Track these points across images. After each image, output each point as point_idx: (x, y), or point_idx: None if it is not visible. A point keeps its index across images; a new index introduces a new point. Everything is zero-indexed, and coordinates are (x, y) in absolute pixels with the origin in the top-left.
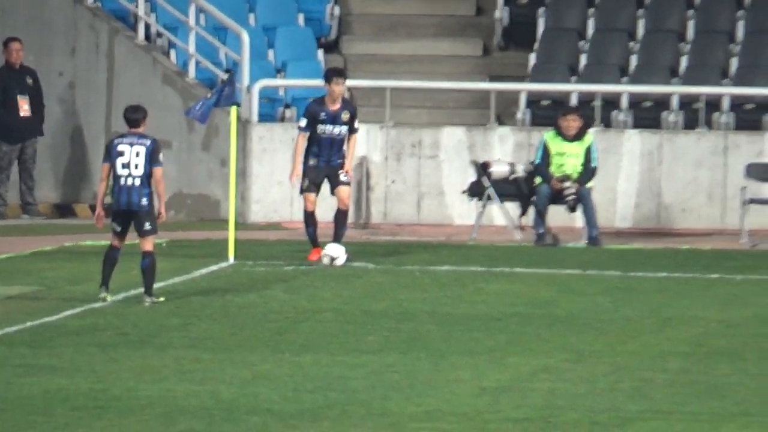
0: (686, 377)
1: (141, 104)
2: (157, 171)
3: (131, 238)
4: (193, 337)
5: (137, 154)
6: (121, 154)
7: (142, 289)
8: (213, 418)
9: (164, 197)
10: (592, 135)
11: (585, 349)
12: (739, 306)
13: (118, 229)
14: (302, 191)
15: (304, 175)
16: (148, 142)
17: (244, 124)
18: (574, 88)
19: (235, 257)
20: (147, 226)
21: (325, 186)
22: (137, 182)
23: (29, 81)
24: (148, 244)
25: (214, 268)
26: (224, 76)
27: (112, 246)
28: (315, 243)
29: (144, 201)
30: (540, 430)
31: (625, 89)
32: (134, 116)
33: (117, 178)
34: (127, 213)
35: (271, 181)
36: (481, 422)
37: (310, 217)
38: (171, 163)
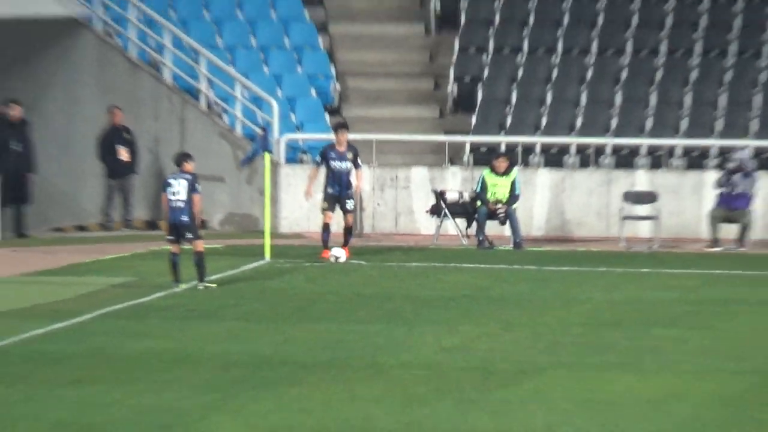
0: (583, 339)
1: (188, 151)
2: (195, 197)
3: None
4: (241, 312)
5: (180, 185)
6: (170, 185)
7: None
8: (256, 367)
9: (199, 214)
10: (516, 171)
11: (512, 321)
12: (619, 290)
13: (171, 238)
14: (323, 210)
15: (324, 199)
16: (189, 177)
17: (275, 165)
18: (502, 140)
19: (270, 257)
20: (188, 235)
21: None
22: (180, 205)
23: (127, 136)
24: (198, 246)
25: (255, 264)
26: (260, 132)
27: (171, 252)
28: (326, 246)
29: (185, 218)
30: (482, 376)
31: (538, 140)
32: (179, 160)
33: (169, 202)
34: (174, 226)
35: (294, 204)
36: (440, 370)
37: (326, 228)
38: (224, 192)
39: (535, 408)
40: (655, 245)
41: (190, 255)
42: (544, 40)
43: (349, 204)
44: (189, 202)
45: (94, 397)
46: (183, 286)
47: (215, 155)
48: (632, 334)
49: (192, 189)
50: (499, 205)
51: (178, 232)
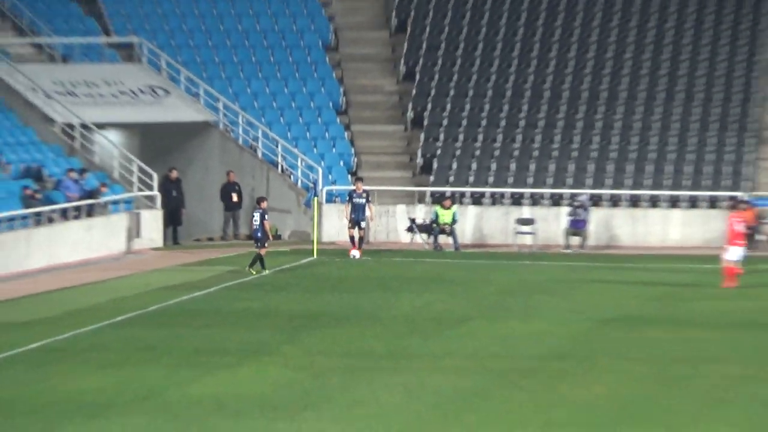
0: (494, 302)
1: (264, 196)
2: (266, 222)
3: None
4: (299, 286)
5: (257, 215)
6: (254, 216)
7: (277, 269)
8: (308, 318)
9: (269, 232)
10: (455, 207)
11: (454, 292)
12: (515, 274)
13: (255, 246)
14: (349, 228)
15: (349, 221)
16: (261, 211)
17: (319, 204)
18: (447, 189)
19: (316, 255)
20: (258, 245)
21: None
22: (256, 226)
23: (236, 188)
24: (262, 252)
25: (307, 260)
26: (311, 185)
27: (257, 252)
28: (353, 244)
29: (259, 234)
30: (436, 323)
31: (468, 190)
32: (257, 201)
33: (253, 225)
34: (255, 239)
35: (330, 225)
36: (413, 319)
37: (351, 238)
38: (291, 218)
39: (467, 340)
40: (534, 249)
41: (274, 255)
42: (471, 133)
43: (363, 224)
44: (261, 225)
45: (215, 335)
46: (266, 272)
47: (286, 199)
48: (522, 299)
49: (262, 218)
50: (446, 227)
51: (256, 242)
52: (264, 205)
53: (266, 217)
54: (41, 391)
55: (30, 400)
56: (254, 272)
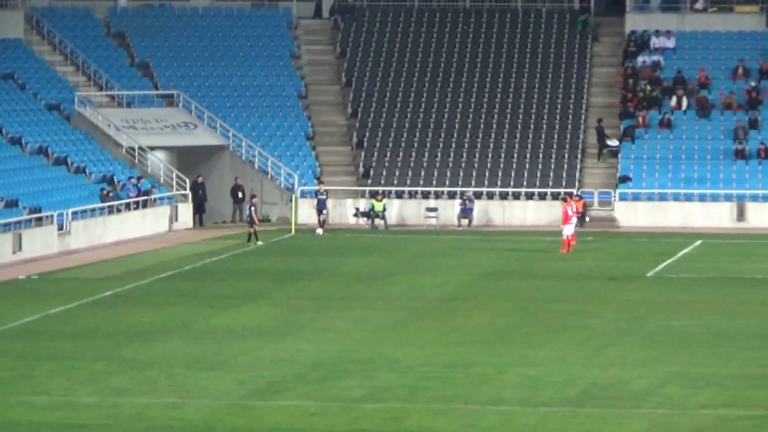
0: (413, 263)
1: (255, 194)
2: (253, 212)
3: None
4: (282, 253)
5: (248, 207)
6: (247, 207)
7: (268, 242)
8: (289, 275)
9: (258, 217)
10: (385, 200)
11: (386, 255)
12: (425, 245)
13: (249, 226)
14: (317, 214)
15: (316, 210)
16: (251, 204)
17: (296, 199)
18: (380, 189)
19: (294, 232)
20: (251, 225)
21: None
22: (248, 213)
23: (241, 188)
24: (253, 229)
25: (289, 235)
26: (290, 186)
27: (249, 231)
28: (320, 225)
29: (248, 219)
30: (372, 275)
31: (393, 189)
32: (251, 197)
33: (246, 212)
34: (249, 222)
35: (302, 213)
36: (358, 274)
37: (319, 222)
38: (276, 208)
39: (393, 288)
40: (437, 227)
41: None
42: (394, 152)
43: (325, 212)
44: (250, 213)
45: (226, 286)
46: (260, 243)
47: (274, 195)
48: (429, 261)
49: (251, 208)
50: (379, 213)
51: (250, 224)
52: (254, 200)
53: (254, 208)
54: (112, 323)
55: (105, 329)
56: (252, 244)
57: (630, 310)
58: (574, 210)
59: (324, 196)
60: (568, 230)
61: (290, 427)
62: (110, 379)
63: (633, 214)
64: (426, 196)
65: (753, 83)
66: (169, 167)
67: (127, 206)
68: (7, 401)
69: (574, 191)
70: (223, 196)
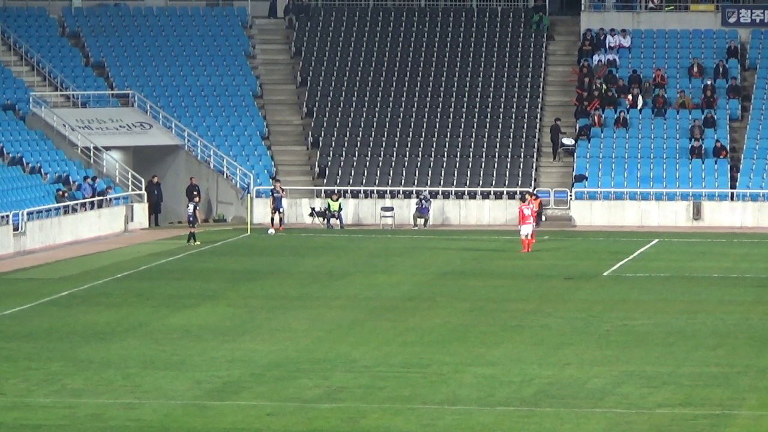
0: (370, 262)
1: (197, 193)
2: (197, 211)
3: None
4: (238, 253)
5: (191, 207)
6: (188, 207)
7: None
8: (245, 274)
9: (199, 215)
10: (341, 200)
11: (342, 255)
12: (382, 243)
13: (191, 226)
14: (271, 214)
15: (271, 209)
16: (195, 203)
17: (251, 198)
18: (335, 188)
19: (250, 232)
20: (192, 226)
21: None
22: (190, 212)
23: (197, 188)
24: (193, 230)
25: (245, 234)
26: (246, 186)
27: (190, 231)
28: (272, 224)
29: (192, 218)
30: (328, 275)
31: (349, 188)
32: (192, 198)
33: (187, 212)
34: (189, 222)
35: (258, 212)
36: (314, 273)
37: (272, 221)
38: (232, 207)
39: (349, 287)
40: (393, 227)
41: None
42: (350, 151)
43: (282, 210)
44: (193, 213)
45: (182, 285)
46: (197, 243)
47: (229, 195)
48: (385, 260)
49: (195, 208)
50: (335, 213)
51: (191, 223)
52: (197, 200)
53: (198, 207)
54: (68, 324)
55: (61, 329)
56: (192, 244)
57: (587, 310)
58: (533, 209)
59: (280, 194)
60: (526, 230)
61: (247, 428)
62: (66, 380)
63: (589, 213)
64: (382, 195)
65: (709, 82)
66: (124, 167)
67: (83, 206)
68: None
69: (530, 190)
70: (178, 196)
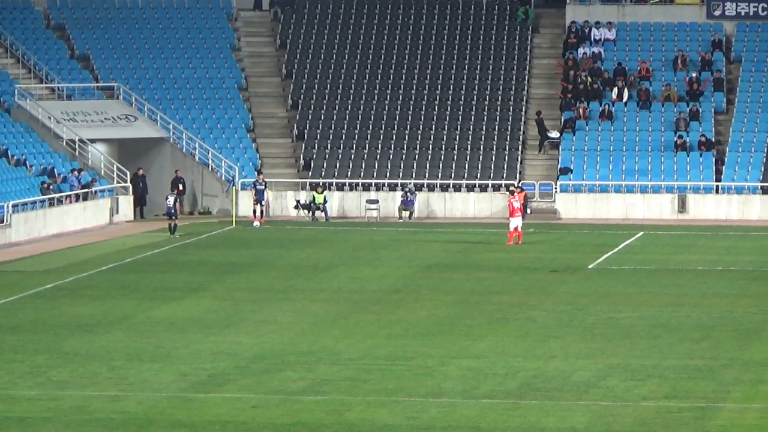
0: (357, 255)
1: (182, 186)
2: (177, 204)
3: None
4: (223, 246)
5: (170, 198)
6: (168, 199)
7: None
8: (230, 267)
9: (180, 208)
10: (326, 192)
11: (327, 247)
12: (368, 235)
13: (172, 218)
14: (253, 206)
15: (254, 202)
16: (175, 195)
17: (236, 190)
18: (320, 180)
19: (235, 224)
20: (173, 218)
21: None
22: (170, 204)
23: (182, 181)
24: (175, 221)
25: (230, 227)
26: (231, 178)
27: (169, 223)
28: (254, 216)
29: (172, 210)
30: (313, 267)
31: (334, 181)
32: (172, 189)
33: (167, 204)
34: (169, 214)
35: (243, 205)
36: (298, 266)
37: (254, 212)
38: (217, 200)
39: (334, 280)
40: (378, 219)
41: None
42: (335, 143)
43: (264, 203)
44: (174, 205)
45: (167, 278)
46: (178, 235)
47: (214, 187)
48: (370, 252)
49: (176, 200)
50: (320, 205)
51: (171, 216)
52: (176, 192)
53: (179, 200)
54: (53, 316)
55: (46, 322)
56: (176, 236)
57: (571, 302)
58: (519, 202)
59: (262, 186)
60: (515, 222)
61: (232, 420)
62: (51, 372)
63: (574, 206)
64: (367, 188)
65: (694, 74)
66: (109, 160)
67: (68, 199)
68: None
69: (515, 183)
70: (163, 189)
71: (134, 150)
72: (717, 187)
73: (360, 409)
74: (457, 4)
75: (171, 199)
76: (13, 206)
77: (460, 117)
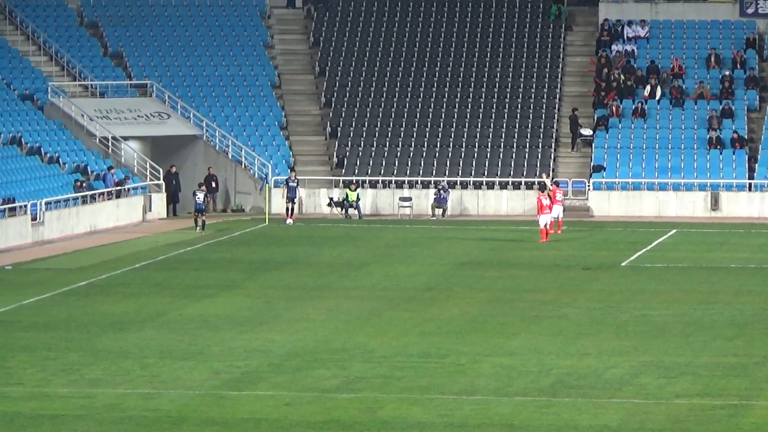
0: (391, 253)
1: (202, 182)
2: (207, 198)
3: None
4: (256, 243)
5: (200, 195)
6: (197, 195)
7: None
8: (263, 264)
9: (214, 209)
10: (359, 189)
11: (360, 245)
12: (404, 232)
13: (201, 215)
14: (286, 204)
15: (286, 200)
16: (204, 191)
17: (269, 188)
18: (353, 178)
19: (268, 222)
20: (203, 214)
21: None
22: (200, 202)
23: (215, 178)
24: (203, 217)
25: (263, 225)
26: (264, 176)
27: (195, 218)
28: (287, 214)
29: (203, 206)
30: (346, 265)
31: (367, 178)
32: (199, 185)
33: (196, 201)
34: (199, 210)
35: (276, 202)
36: (332, 264)
37: (287, 210)
38: (251, 197)
39: (367, 278)
40: (411, 217)
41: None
42: (368, 141)
43: (295, 201)
44: (204, 201)
45: (201, 275)
46: (203, 231)
47: (247, 185)
48: (403, 250)
49: (205, 196)
50: (353, 203)
51: (201, 213)
52: (204, 188)
53: (208, 195)
54: (86, 313)
55: (79, 319)
56: (201, 231)
57: (604, 300)
58: (556, 199)
59: (295, 184)
60: (544, 219)
61: (264, 417)
62: (84, 370)
63: (607, 204)
64: (400, 185)
65: (727, 72)
66: (142, 157)
67: (101, 196)
68: None
69: (548, 180)
70: (196, 186)
71: (167, 147)
72: (750, 184)
73: (393, 407)
74: (490, 2)
75: (200, 195)
76: (47, 204)
77: (493, 114)
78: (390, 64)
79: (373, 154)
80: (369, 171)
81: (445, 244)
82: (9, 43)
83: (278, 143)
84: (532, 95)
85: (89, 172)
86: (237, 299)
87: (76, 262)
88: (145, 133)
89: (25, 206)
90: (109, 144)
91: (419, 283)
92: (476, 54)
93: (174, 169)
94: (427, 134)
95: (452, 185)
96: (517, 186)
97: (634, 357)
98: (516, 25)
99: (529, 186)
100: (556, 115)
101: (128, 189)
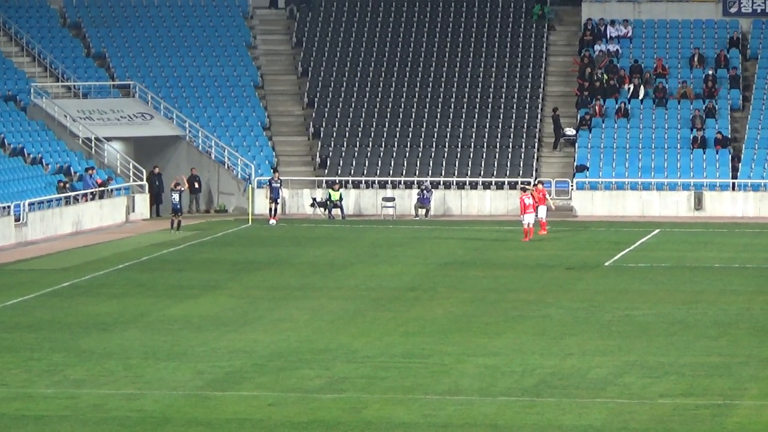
0: (374, 253)
1: (178, 182)
2: (192, 198)
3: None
4: (239, 244)
5: (175, 196)
6: (173, 195)
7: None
8: (246, 265)
9: (197, 209)
10: (342, 190)
11: (344, 245)
12: (385, 233)
13: (177, 215)
14: (269, 204)
15: (270, 200)
16: (179, 191)
17: (252, 189)
18: (336, 178)
19: (251, 222)
20: (178, 214)
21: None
22: (176, 202)
23: (198, 179)
24: (179, 218)
25: (246, 225)
26: (247, 177)
27: (178, 220)
28: (270, 215)
29: (178, 206)
30: (329, 265)
31: (350, 179)
32: (174, 185)
33: (172, 201)
34: (175, 210)
35: (258, 203)
36: (315, 264)
37: (270, 210)
38: (233, 198)
39: (351, 278)
40: (394, 217)
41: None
42: (351, 141)
43: (279, 201)
44: (180, 201)
45: (184, 276)
46: (179, 231)
47: (231, 185)
48: (386, 250)
49: (180, 196)
50: (336, 203)
51: (177, 213)
52: (179, 188)
53: (181, 195)
54: (69, 314)
55: (63, 320)
56: (178, 232)
57: (588, 300)
58: (540, 197)
59: (278, 184)
60: (528, 219)
61: (248, 418)
62: (68, 371)
63: (590, 204)
64: (383, 185)
65: (710, 72)
66: (125, 158)
67: (84, 197)
68: None
69: (531, 180)
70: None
71: (150, 148)
72: (733, 184)
73: (377, 407)
74: (472, 2)
75: (176, 196)
76: (30, 205)
77: (476, 114)
78: (373, 64)
79: (356, 154)
80: (352, 171)
81: (428, 244)
82: None
83: (261, 144)
84: (515, 95)
85: (72, 173)
86: (220, 300)
87: (59, 262)
88: (128, 133)
89: (8, 207)
90: (92, 145)
91: (403, 284)
92: (459, 54)
93: (157, 170)
94: (410, 134)
95: (435, 185)
96: (500, 186)
97: (617, 357)
98: (499, 25)
99: (512, 186)
100: (539, 115)
101: (111, 190)
